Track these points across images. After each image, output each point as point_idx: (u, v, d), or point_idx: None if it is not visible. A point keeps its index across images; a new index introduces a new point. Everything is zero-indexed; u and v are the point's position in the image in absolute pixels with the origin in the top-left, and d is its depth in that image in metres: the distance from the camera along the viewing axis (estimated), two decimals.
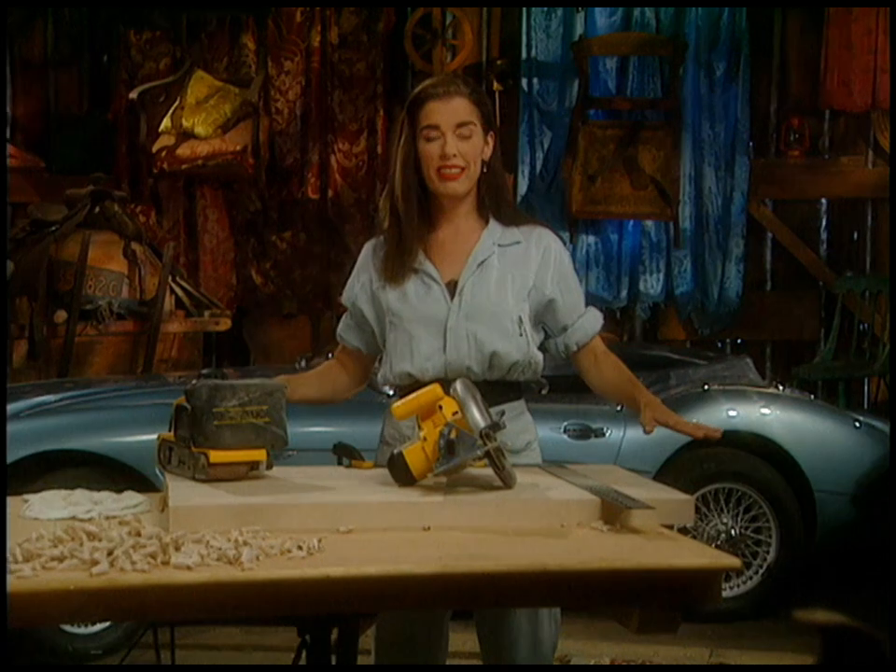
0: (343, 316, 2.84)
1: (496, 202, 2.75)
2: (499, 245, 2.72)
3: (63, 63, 7.65)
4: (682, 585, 1.96)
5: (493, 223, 2.74)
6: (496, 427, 2.26)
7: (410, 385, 2.64)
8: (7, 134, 7.59)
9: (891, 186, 6.72)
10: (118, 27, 7.50)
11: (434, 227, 2.73)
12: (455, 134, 2.64)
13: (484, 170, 2.71)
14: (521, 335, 2.67)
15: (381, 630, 2.70)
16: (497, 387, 2.68)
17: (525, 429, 2.75)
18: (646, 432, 2.55)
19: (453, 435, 2.23)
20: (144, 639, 2.48)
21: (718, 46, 7.24)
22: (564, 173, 7.28)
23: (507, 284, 2.69)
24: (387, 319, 2.71)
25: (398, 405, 2.38)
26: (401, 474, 2.30)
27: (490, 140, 2.72)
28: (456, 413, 2.29)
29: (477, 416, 2.26)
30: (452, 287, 2.69)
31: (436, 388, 2.35)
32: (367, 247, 2.80)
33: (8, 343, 5.99)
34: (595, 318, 2.79)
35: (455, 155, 2.64)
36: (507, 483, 2.28)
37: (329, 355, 5.52)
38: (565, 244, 7.87)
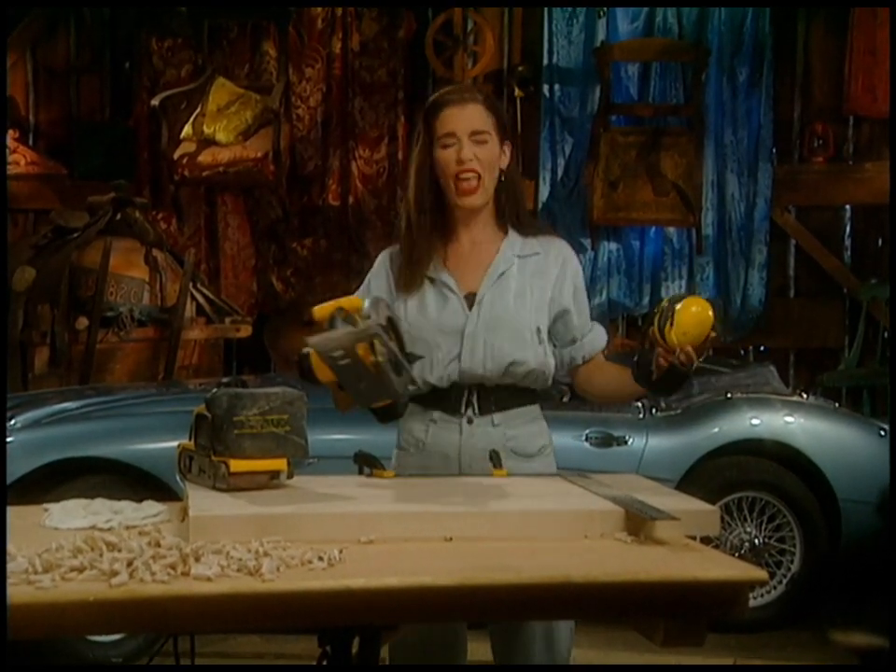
0: None
1: (514, 211, 2.75)
2: (519, 257, 2.73)
3: (86, 71, 7.69)
4: (708, 598, 1.93)
5: (512, 233, 2.75)
6: (384, 325, 2.18)
7: (427, 392, 2.69)
8: (30, 141, 7.63)
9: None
10: (139, 34, 7.53)
11: (452, 237, 2.74)
12: (471, 140, 2.65)
13: (502, 179, 2.71)
14: (539, 344, 2.69)
15: (396, 640, 2.68)
16: (513, 392, 2.70)
17: (539, 434, 2.75)
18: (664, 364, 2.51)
19: (340, 315, 2.18)
20: (164, 648, 2.47)
21: (741, 51, 7.21)
22: (585, 179, 7.26)
23: (526, 295, 2.70)
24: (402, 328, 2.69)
25: (318, 307, 2.29)
26: (308, 374, 2.23)
27: (506, 150, 2.72)
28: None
29: (371, 314, 2.21)
30: (471, 299, 2.69)
31: (355, 298, 2.31)
32: (384, 255, 2.80)
33: (30, 350, 6.00)
34: (601, 333, 2.81)
35: (470, 160, 2.64)
36: (388, 387, 2.15)
37: None
38: (586, 251, 7.89)
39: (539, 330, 2.69)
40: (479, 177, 2.66)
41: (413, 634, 2.65)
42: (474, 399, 2.68)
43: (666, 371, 2.51)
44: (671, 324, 2.46)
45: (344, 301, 2.30)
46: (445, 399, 2.69)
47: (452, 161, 2.65)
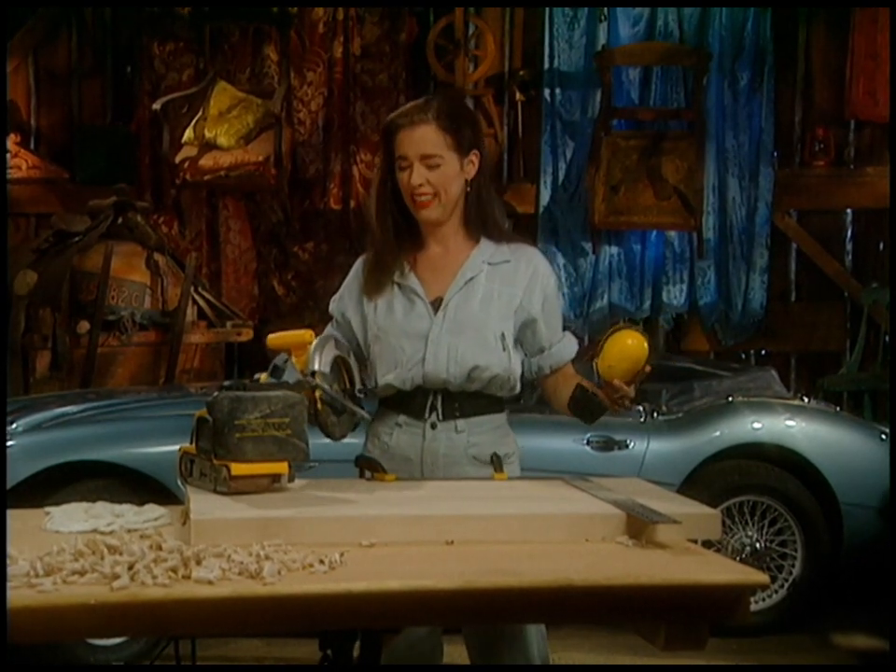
0: (329, 326, 2.86)
1: (481, 219, 2.78)
2: (489, 264, 2.76)
3: (87, 75, 7.68)
4: (710, 602, 1.93)
5: (484, 241, 2.78)
6: (320, 375, 2.35)
7: (393, 395, 2.73)
8: (31, 145, 7.63)
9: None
10: (141, 38, 7.53)
11: (423, 244, 2.79)
12: (422, 164, 2.69)
13: (468, 189, 2.74)
14: (503, 350, 2.71)
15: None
16: (478, 399, 2.72)
17: (502, 442, 2.77)
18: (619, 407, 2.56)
19: (280, 362, 2.37)
20: (165, 651, 2.47)
21: (742, 55, 7.21)
22: (586, 183, 7.26)
23: (493, 300, 2.73)
24: (372, 333, 2.76)
25: (271, 336, 2.51)
26: None
27: (474, 160, 2.74)
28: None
29: (314, 359, 2.37)
30: (437, 303, 2.73)
31: (305, 333, 2.44)
32: (359, 261, 2.89)
33: (31, 354, 6.00)
34: (570, 344, 2.83)
35: (421, 184, 2.69)
36: (325, 430, 2.38)
37: None
38: (587, 254, 7.87)
39: (503, 336, 2.71)
40: (434, 195, 2.70)
41: (391, 637, 2.66)
42: (438, 404, 2.71)
43: (588, 398, 2.54)
44: (597, 354, 2.45)
45: (292, 337, 2.42)
46: (410, 402, 2.72)
47: (406, 182, 2.71)
